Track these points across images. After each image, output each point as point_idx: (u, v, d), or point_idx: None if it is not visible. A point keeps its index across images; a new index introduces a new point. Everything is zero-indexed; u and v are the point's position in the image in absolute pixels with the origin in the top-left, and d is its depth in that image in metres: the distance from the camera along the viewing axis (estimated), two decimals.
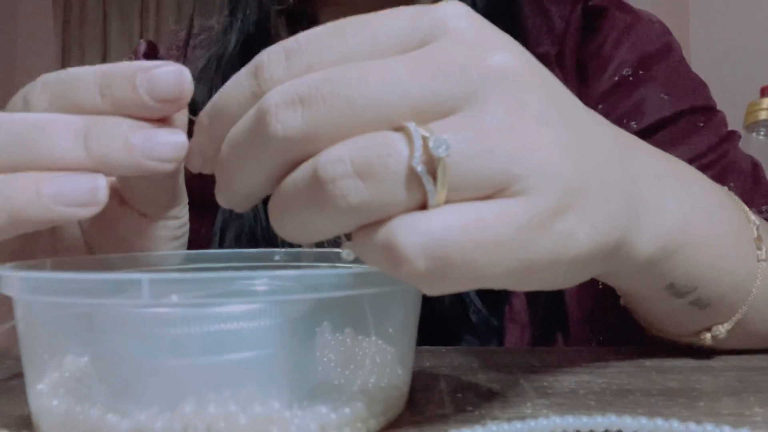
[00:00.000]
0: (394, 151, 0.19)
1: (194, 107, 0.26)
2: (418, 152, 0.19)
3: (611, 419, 0.23)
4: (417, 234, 0.19)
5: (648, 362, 0.33)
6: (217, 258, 0.32)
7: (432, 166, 0.19)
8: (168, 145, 0.24)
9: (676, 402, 0.27)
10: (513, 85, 0.21)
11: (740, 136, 0.53)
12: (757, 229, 0.34)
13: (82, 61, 3.26)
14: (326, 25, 0.22)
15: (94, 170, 0.24)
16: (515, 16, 0.53)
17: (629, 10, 0.55)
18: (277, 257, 0.32)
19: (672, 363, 0.33)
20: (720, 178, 0.47)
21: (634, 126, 0.50)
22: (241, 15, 0.53)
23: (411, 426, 0.24)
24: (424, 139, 0.19)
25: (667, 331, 0.36)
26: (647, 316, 0.36)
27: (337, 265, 0.31)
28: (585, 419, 0.23)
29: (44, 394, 0.23)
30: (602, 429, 0.23)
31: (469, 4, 0.22)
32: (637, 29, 0.53)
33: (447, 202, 0.20)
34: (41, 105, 0.25)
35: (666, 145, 0.33)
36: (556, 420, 0.23)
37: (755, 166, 0.50)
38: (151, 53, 0.61)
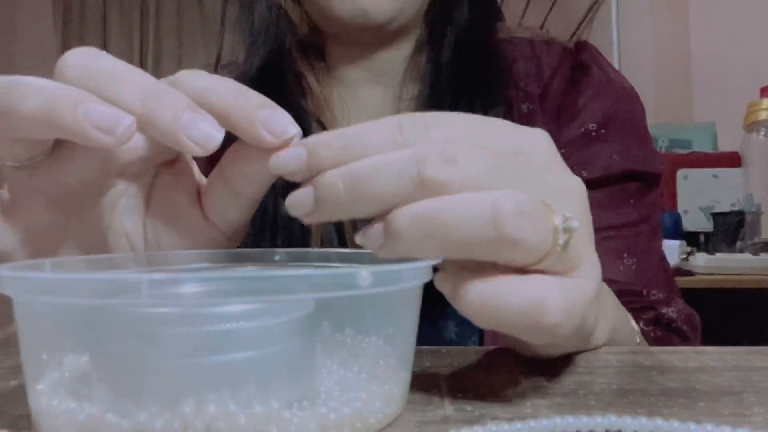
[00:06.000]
0: (549, 211, 0.24)
1: None
2: (559, 218, 0.24)
3: (611, 419, 0.23)
4: (562, 300, 0.24)
5: (648, 362, 0.33)
6: (218, 258, 0.32)
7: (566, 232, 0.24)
8: (205, 133, 0.27)
9: (676, 402, 0.27)
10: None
11: (660, 224, 0.63)
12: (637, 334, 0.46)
13: None
14: (456, 119, 0.26)
15: (138, 118, 0.26)
16: (504, 64, 0.60)
17: (606, 70, 0.63)
18: (277, 257, 0.32)
19: (672, 363, 0.33)
20: (630, 252, 0.57)
21: (585, 175, 0.56)
22: (260, 45, 0.59)
23: (411, 426, 0.24)
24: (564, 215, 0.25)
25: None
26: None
27: (337, 264, 0.31)
28: (585, 419, 0.23)
29: (44, 394, 0.23)
30: (602, 429, 0.23)
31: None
32: (608, 90, 0.61)
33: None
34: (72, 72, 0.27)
35: (599, 206, 0.42)
36: (556, 420, 0.23)
37: (662, 258, 0.61)
38: None
